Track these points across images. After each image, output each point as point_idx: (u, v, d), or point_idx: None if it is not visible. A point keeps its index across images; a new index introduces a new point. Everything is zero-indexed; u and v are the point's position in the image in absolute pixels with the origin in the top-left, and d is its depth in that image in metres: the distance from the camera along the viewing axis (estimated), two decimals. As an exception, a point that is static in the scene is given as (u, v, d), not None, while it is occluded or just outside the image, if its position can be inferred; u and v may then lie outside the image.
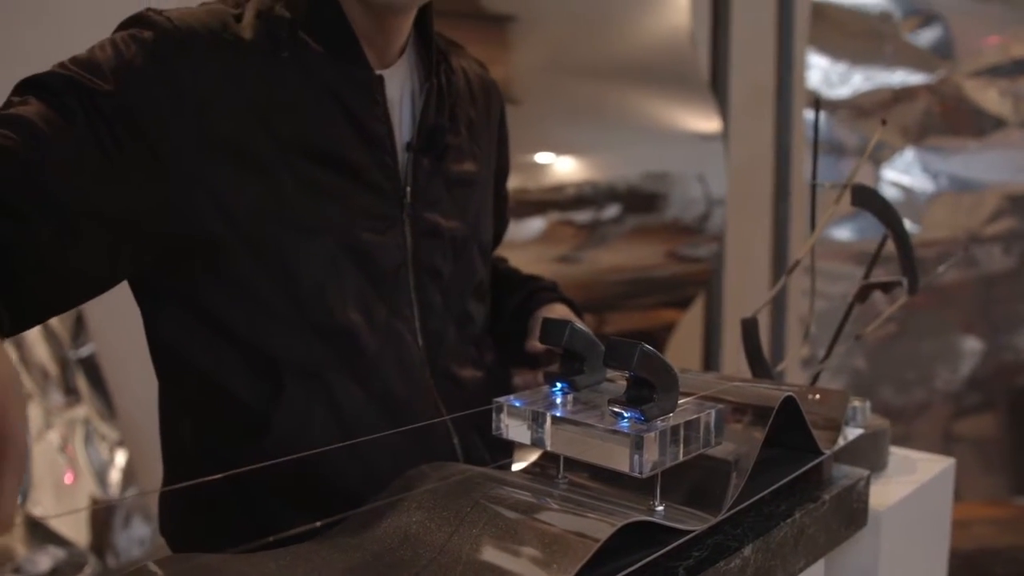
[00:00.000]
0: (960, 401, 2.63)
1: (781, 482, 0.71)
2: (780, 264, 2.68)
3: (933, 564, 1.03)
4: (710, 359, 2.63)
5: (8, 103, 0.71)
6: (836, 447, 0.78)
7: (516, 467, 0.76)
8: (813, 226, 1.03)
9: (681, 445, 0.61)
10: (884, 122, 1.29)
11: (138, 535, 1.66)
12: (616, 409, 0.61)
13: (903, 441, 1.08)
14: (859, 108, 2.61)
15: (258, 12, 0.81)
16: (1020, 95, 2.55)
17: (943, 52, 2.58)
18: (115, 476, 1.68)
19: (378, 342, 0.83)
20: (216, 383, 0.80)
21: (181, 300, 0.80)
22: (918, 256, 1.00)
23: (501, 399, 0.67)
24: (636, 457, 0.58)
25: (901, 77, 2.59)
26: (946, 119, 2.61)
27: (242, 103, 0.77)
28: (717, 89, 2.48)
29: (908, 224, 1.12)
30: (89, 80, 0.71)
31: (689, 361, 2.62)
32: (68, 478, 1.62)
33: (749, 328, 0.94)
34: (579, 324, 0.67)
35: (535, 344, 0.96)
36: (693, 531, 0.61)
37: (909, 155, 2.61)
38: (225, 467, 0.61)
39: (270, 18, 0.81)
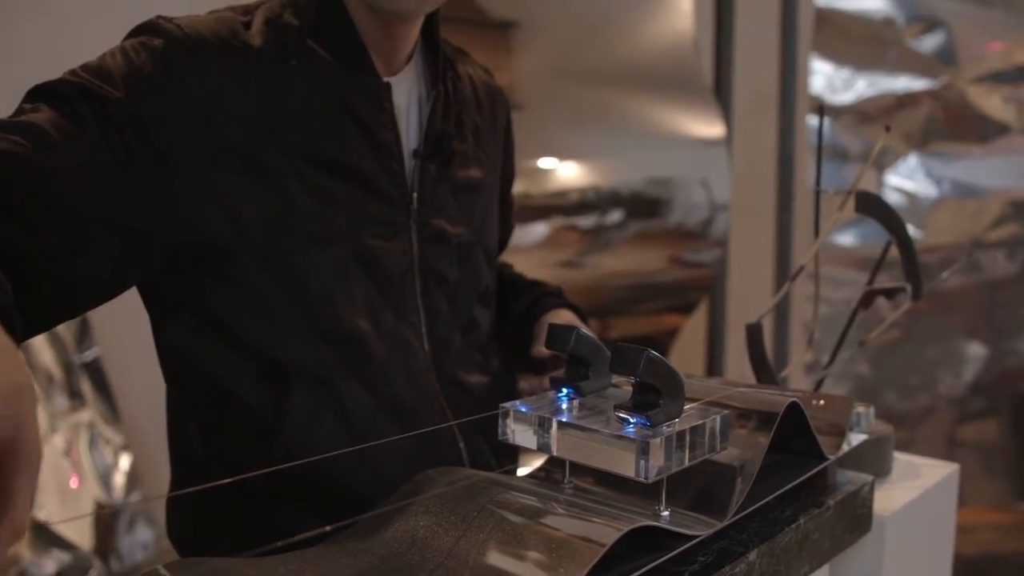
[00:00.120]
0: (964, 406, 2.63)
1: (786, 487, 0.72)
2: (783, 269, 2.69)
3: (937, 570, 1.03)
4: (714, 364, 2.63)
5: (19, 110, 0.71)
6: (840, 452, 0.78)
7: (522, 472, 0.77)
8: (817, 232, 1.03)
9: (687, 450, 0.61)
10: (888, 128, 1.29)
11: (142, 539, 1.66)
12: (622, 414, 0.61)
13: (907, 447, 1.08)
14: (862, 114, 2.61)
15: (267, 20, 0.82)
16: (1023, 101, 2.55)
17: (946, 58, 2.58)
18: (120, 480, 1.68)
19: (385, 348, 0.83)
20: (224, 388, 0.80)
21: (190, 306, 0.80)
22: (922, 262, 1.00)
23: (507, 404, 0.67)
24: (642, 462, 0.58)
25: (904, 83, 2.59)
26: (949, 125, 2.60)
27: (251, 110, 0.78)
28: (721, 94, 2.49)
29: (912, 230, 1.12)
30: (100, 87, 0.72)
31: (693, 366, 2.62)
32: (73, 482, 1.62)
33: (753, 333, 0.95)
34: (585, 330, 0.68)
35: (541, 349, 0.97)
36: (698, 536, 0.61)
37: (912, 161, 2.60)
38: (233, 472, 0.62)
39: (279, 26, 0.82)
